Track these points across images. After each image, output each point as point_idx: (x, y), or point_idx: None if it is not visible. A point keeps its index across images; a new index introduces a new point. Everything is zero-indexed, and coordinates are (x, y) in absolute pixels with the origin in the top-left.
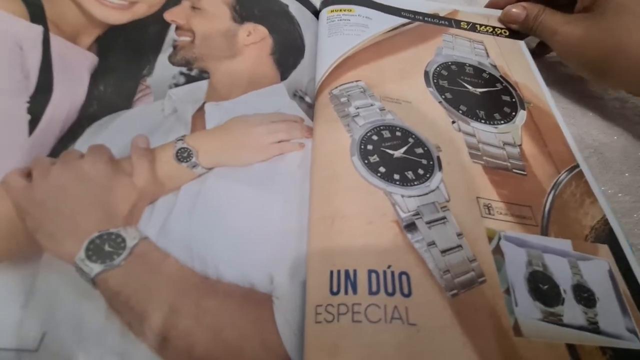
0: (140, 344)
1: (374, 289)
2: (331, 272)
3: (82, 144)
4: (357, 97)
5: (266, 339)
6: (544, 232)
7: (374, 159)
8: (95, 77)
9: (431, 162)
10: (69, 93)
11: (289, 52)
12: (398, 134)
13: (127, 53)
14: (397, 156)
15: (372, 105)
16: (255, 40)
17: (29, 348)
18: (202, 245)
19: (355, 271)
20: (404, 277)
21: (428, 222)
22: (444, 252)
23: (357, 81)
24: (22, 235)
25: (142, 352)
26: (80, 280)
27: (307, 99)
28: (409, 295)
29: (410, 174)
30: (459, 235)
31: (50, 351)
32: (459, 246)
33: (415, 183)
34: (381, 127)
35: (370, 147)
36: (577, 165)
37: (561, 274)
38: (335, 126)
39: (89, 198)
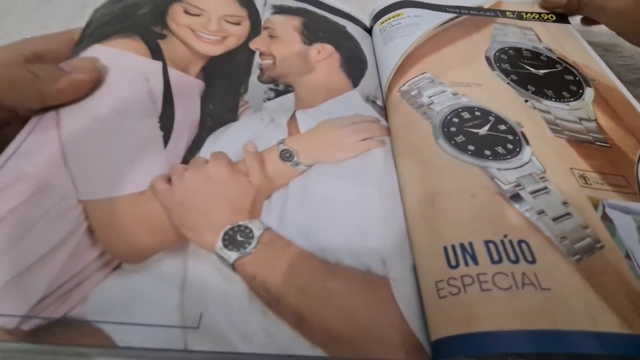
0: (282, 323)
1: (496, 258)
2: (445, 248)
3: (205, 151)
4: (427, 87)
5: (390, 319)
6: None
7: (459, 138)
8: (204, 98)
9: (517, 137)
10: (188, 112)
11: (354, 64)
12: (477, 113)
13: (225, 77)
14: (483, 134)
15: (443, 91)
16: (324, 56)
17: (191, 325)
18: (317, 233)
19: (470, 243)
20: (523, 245)
21: (532, 192)
22: (555, 219)
23: (423, 73)
24: (171, 230)
25: (285, 330)
26: (223, 267)
27: (379, 102)
28: (533, 262)
29: (500, 149)
30: (565, 203)
31: (208, 329)
32: (568, 214)
33: (508, 157)
34: (459, 110)
35: (453, 128)
36: None
37: None
38: (412, 117)
39: (218, 196)
